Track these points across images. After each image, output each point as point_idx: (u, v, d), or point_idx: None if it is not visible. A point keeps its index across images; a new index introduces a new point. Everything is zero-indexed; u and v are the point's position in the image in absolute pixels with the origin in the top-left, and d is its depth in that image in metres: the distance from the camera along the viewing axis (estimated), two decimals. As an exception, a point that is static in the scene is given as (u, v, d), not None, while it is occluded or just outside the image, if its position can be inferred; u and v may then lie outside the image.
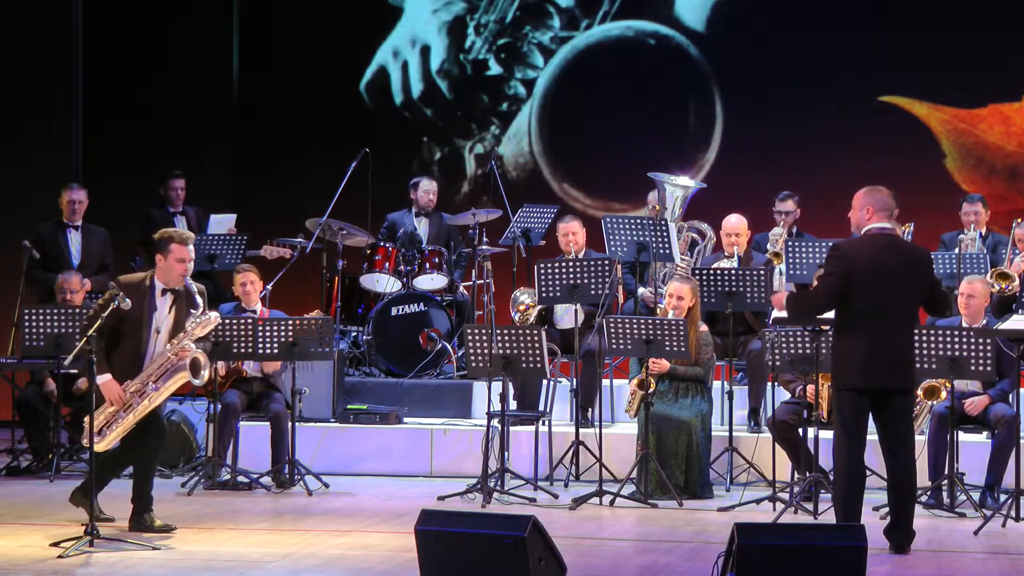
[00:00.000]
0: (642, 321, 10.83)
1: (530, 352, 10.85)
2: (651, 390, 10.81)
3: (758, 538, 7.50)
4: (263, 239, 13.64)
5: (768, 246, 12.51)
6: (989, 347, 10.07)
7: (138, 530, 9.33)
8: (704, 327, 11.30)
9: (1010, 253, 12.35)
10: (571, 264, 11.75)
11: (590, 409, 11.92)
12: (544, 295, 11.77)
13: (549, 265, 11.73)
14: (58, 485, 11.34)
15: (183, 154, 15.23)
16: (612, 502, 10.68)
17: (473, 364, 11.04)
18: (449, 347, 13.14)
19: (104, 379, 9.24)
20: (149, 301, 9.36)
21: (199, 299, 9.44)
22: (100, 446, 9.35)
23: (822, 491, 10.05)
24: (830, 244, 9.89)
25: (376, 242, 13.56)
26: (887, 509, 9.33)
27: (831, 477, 9.69)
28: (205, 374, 9.41)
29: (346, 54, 16.11)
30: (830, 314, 9.06)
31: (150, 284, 9.40)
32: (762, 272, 11.81)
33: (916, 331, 9.56)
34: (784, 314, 9.43)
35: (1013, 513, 9.99)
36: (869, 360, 8.79)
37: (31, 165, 15.13)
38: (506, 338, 10.88)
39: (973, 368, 10.11)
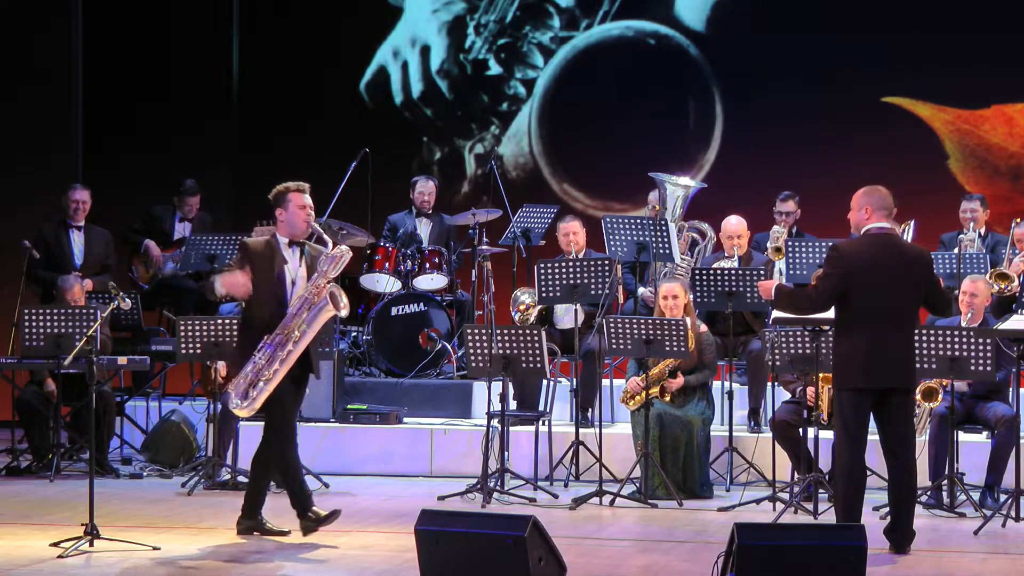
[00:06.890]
0: (642, 321, 10.84)
1: (530, 352, 10.84)
2: (666, 399, 10.91)
3: (758, 538, 7.50)
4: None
5: (768, 244, 12.50)
6: (989, 347, 10.07)
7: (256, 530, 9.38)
8: (704, 328, 11.31)
9: (1009, 253, 12.34)
10: (571, 264, 11.75)
11: (590, 409, 11.92)
12: (544, 295, 11.76)
13: (549, 265, 11.73)
14: (58, 485, 11.36)
15: (183, 154, 15.24)
16: (612, 502, 10.67)
17: (473, 364, 11.03)
18: (449, 347, 13.13)
19: (229, 275, 9.18)
20: (279, 256, 9.33)
21: (326, 237, 9.45)
22: (245, 411, 9.35)
23: (822, 491, 10.04)
24: (830, 244, 9.89)
25: (376, 242, 13.55)
26: (887, 509, 9.33)
27: (831, 477, 9.69)
28: (344, 301, 9.30)
29: (346, 54, 16.10)
30: (830, 314, 9.07)
31: (275, 242, 9.38)
32: (762, 272, 11.82)
33: (916, 331, 9.55)
34: (781, 313, 9.43)
35: (1013, 513, 9.99)
36: (870, 360, 8.78)
37: (31, 165, 15.12)
38: (506, 338, 10.88)
39: (973, 368, 10.11)
